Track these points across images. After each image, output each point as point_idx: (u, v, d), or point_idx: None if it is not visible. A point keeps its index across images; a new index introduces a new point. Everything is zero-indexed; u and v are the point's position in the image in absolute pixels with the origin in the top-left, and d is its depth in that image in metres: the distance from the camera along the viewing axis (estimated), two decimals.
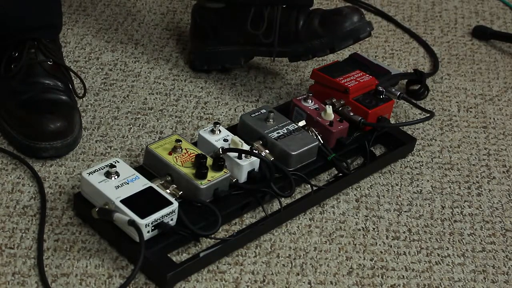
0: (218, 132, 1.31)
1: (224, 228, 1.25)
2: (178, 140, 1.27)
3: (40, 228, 1.21)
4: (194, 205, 1.22)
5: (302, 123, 1.39)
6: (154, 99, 1.51)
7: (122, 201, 1.16)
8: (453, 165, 1.46)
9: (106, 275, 1.16)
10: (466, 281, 1.23)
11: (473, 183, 1.43)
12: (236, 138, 1.29)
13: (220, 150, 1.26)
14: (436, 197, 1.38)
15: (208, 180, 1.22)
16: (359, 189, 1.38)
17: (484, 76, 1.72)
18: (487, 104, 1.64)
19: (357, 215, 1.32)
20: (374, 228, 1.30)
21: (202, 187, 1.22)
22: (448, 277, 1.24)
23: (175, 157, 1.25)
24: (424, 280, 1.23)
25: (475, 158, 1.49)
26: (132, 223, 1.13)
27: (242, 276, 1.19)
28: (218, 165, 1.24)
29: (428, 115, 1.48)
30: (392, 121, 1.53)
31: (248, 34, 1.52)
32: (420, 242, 1.29)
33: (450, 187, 1.41)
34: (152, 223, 1.15)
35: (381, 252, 1.26)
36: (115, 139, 1.40)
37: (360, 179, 1.39)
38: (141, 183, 1.20)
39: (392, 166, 1.44)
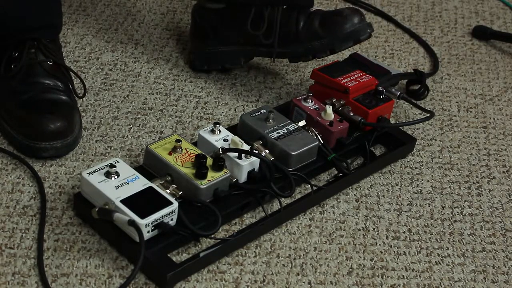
0: (218, 132, 1.31)
1: (224, 228, 1.25)
2: (178, 140, 1.27)
3: (40, 228, 1.21)
4: (194, 205, 1.22)
5: (302, 123, 1.39)
6: (154, 99, 1.51)
7: (122, 201, 1.16)
8: (453, 165, 1.46)
9: (106, 275, 1.16)
10: (466, 281, 1.23)
11: (473, 183, 1.43)
12: (236, 138, 1.29)
13: (220, 150, 1.26)
14: (436, 197, 1.38)
15: (208, 180, 1.22)
16: (359, 189, 1.38)
17: (484, 76, 1.72)
18: (487, 104, 1.64)
19: (357, 215, 1.32)
20: (374, 228, 1.30)
21: (202, 187, 1.22)
22: (448, 277, 1.24)
23: (175, 157, 1.25)
24: (424, 280, 1.23)
25: (475, 158, 1.49)
26: (132, 223, 1.13)
27: (242, 276, 1.19)
28: (218, 165, 1.24)
29: (428, 115, 1.48)
30: (392, 121, 1.53)
31: (248, 35, 1.52)
32: (420, 242, 1.29)
33: (450, 187, 1.41)
34: (152, 223, 1.15)
35: (381, 252, 1.26)
36: (115, 139, 1.40)
37: (360, 179, 1.39)
38: (141, 183, 1.20)
39: (392, 166, 1.44)
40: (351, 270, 1.22)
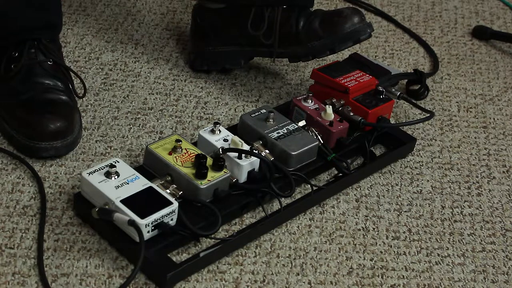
0: (218, 132, 1.31)
1: (224, 228, 1.25)
2: (178, 140, 1.27)
3: (40, 228, 1.21)
4: (194, 205, 1.22)
5: (302, 123, 1.39)
6: (154, 99, 1.51)
7: (122, 201, 1.16)
8: (453, 165, 1.46)
9: (106, 275, 1.16)
10: (466, 281, 1.23)
11: (473, 183, 1.43)
12: (236, 138, 1.29)
13: (220, 150, 1.26)
14: (436, 197, 1.38)
15: (208, 180, 1.22)
16: (359, 189, 1.38)
17: (484, 76, 1.72)
18: (487, 104, 1.64)
19: (357, 215, 1.32)
20: (374, 228, 1.30)
21: (202, 187, 1.22)
22: (448, 277, 1.24)
23: (175, 157, 1.25)
24: (424, 280, 1.23)
25: (475, 158, 1.49)
26: (132, 223, 1.13)
27: (242, 276, 1.19)
28: (218, 165, 1.24)
29: (428, 115, 1.48)
30: (392, 121, 1.53)
31: (249, 35, 1.52)
32: (420, 242, 1.29)
33: (450, 187, 1.41)
34: (152, 223, 1.15)
35: (381, 252, 1.26)
36: (115, 139, 1.40)
37: (360, 179, 1.39)
38: (141, 183, 1.20)
39: (392, 166, 1.44)
40: (351, 270, 1.22)
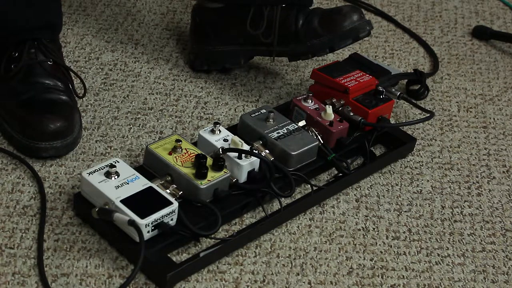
0: (218, 132, 1.31)
1: (224, 228, 1.25)
2: (178, 140, 1.27)
3: (40, 228, 1.21)
4: (194, 205, 1.22)
5: (302, 123, 1.39)
6: (154, 99, 1.51)
7: (122, 201, 1.16)
8: (453, 165, 1.46)
9: (106, 275, 1.16)
10: (466, 281, 1.23)
11: (473, 183, 1.43)
12: (236, 138, 1.29)
13: (220, 150, 1.26)
14: (436, 197, 1.38)
15: (208, 180, 1.22)
16: (359, 189, 1.38)
17: (484, 76, 1.72)
18: (487, 104, 1.64)
19: (357, 215, 1.32)
20: (374, 228, 1.30)
21: (202, 187, 1.22)
22: (448, 277, 1.24)
23: (175, 157, 1.25)
24: (424, 280, 1.23)
25: (475, 158, 1.49)
26: (132, 223, 1.13)
27: (242, 276, 1.19)
28: (218, 165, 1.24)
29: (428, 115, 1.48)
30: (392, 121, 1.53)
31: (248, 34, 1.52)
32: (420, 242, 1.29)
33: (450, 187, 1.41)
34: (152, 223, 1.15)
35: (381, 252, 1.26)
36: (115, 139, 1.40)
37: (360, 179, 1.39)
38: (141, 183, 1.20)
39: (392, 166, 1.44)
40: (351, 270, 1.22)
